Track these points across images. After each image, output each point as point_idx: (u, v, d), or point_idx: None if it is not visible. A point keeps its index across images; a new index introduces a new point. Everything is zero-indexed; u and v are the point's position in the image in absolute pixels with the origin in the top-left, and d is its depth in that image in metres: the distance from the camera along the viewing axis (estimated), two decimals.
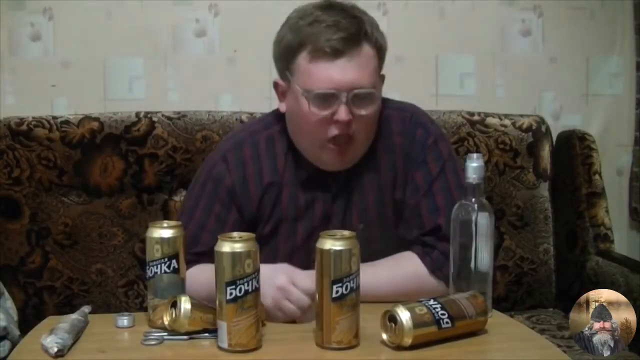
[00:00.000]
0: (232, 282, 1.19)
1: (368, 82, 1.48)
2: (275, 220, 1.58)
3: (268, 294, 1.34)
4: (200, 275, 1.42)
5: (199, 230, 1.54)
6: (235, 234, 1.24)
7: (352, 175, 1.57)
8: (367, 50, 1.48)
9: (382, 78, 1.55)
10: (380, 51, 1.51)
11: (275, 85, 1.57)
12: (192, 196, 1.62)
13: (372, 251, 1.55)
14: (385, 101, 1.60)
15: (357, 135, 1.50)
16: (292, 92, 1.52)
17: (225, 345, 1.21)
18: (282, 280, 1.35)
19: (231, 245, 1.20)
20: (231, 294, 1.19)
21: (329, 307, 1.21)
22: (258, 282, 1.21)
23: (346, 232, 1.24)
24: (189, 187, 1.68)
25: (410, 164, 1.57)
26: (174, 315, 1.26)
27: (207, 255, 1.43)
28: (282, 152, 1.58)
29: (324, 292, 1.21)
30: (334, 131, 1.48)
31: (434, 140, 1.58)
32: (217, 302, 1.21)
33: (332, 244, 1.21)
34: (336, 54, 1.45)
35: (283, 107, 1.57)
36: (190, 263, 1.42)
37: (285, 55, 1.51)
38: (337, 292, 1.20)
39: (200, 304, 1.28)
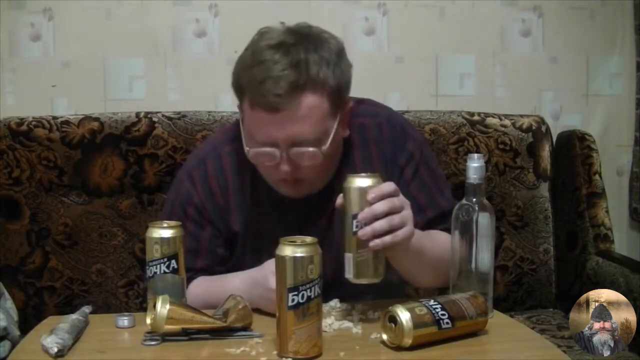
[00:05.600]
0: (295, 288, 1.16)
1: (310, 134, 1.41)
2: (242, 237, 1.55)
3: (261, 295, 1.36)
4: (199, 292, 1.48)
5: None
6: (297, 238, 1.19)
7: (323, 198, 1.51)
8: (309, 100, 1.39)
9: (342, 113, 1.47)
10: (332, 92, 1.42)
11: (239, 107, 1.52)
12: (164, 218, 1.57)
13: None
14: (359, 107, 1.56)
15: (307, 176, 1.46)
16: (244, 127, 1.48)
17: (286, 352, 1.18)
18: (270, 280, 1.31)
19: (293, 249, 1.17)
20: (293, 300, 1.17)
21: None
22: (320, 287, 1.18)
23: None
24: (162, 209, 1.67)
25: (392, 168, 1.54)
26: (152, 316, 1.26)
27: (194, 272, 1.50)
28: (247, 170, 1.53)
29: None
30: (281, 175, 1.45)
31: (414, 145, 1.56)
32: (277, 309, 1.19)
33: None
34: (273, 110, 1.39)
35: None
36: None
37: (235, 92, 1.47)
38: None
39: (179, 304, 1.27)
